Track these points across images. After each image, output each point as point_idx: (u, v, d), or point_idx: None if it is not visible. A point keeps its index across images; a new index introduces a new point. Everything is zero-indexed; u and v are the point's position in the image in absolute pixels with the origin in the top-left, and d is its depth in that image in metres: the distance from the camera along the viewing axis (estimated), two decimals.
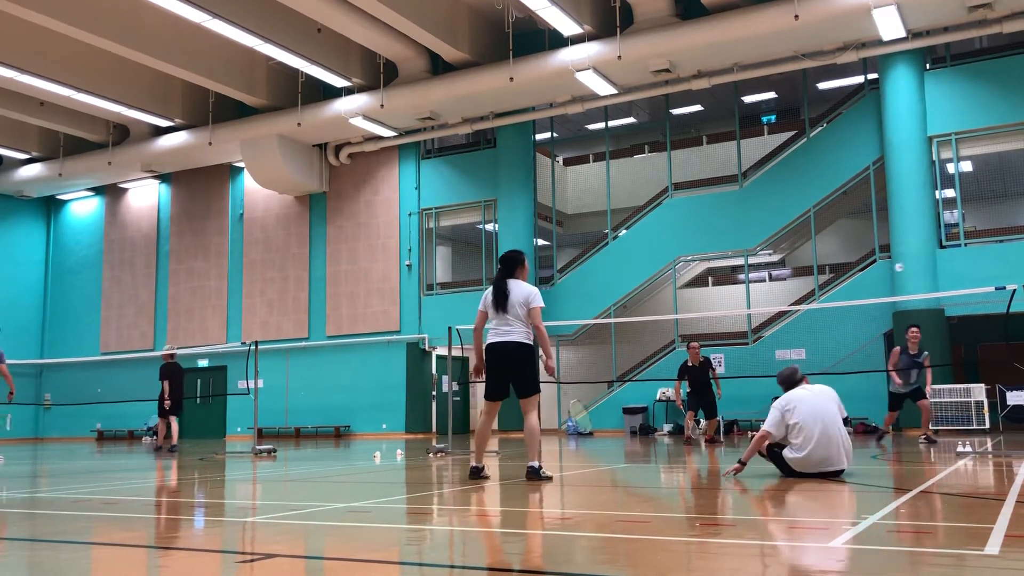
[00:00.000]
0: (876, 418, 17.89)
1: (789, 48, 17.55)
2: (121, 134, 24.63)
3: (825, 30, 16.74)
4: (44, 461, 12.84)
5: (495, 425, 20.93)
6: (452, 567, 3.43)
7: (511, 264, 7.30)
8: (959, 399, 16.33)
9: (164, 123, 22.86)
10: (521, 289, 7.16)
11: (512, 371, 7.14)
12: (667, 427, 19.33)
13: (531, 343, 7.12)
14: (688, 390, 14.23)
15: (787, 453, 6.86)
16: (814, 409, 6.73)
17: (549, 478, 7.00)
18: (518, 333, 7.10)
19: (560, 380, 21.61)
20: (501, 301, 7.13)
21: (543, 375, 11.17)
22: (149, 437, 24.53)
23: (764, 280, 23.62)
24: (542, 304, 7.17)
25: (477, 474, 7.20)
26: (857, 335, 18.13)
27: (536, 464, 7.02)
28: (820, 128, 19.65)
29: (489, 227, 22.74)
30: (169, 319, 25.94)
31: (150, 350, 26.03)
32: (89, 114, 22.99)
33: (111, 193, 27.58)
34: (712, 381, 14.07)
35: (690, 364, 14.29)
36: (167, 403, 14.93)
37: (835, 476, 6.68)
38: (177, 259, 26.13)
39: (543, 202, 22.93)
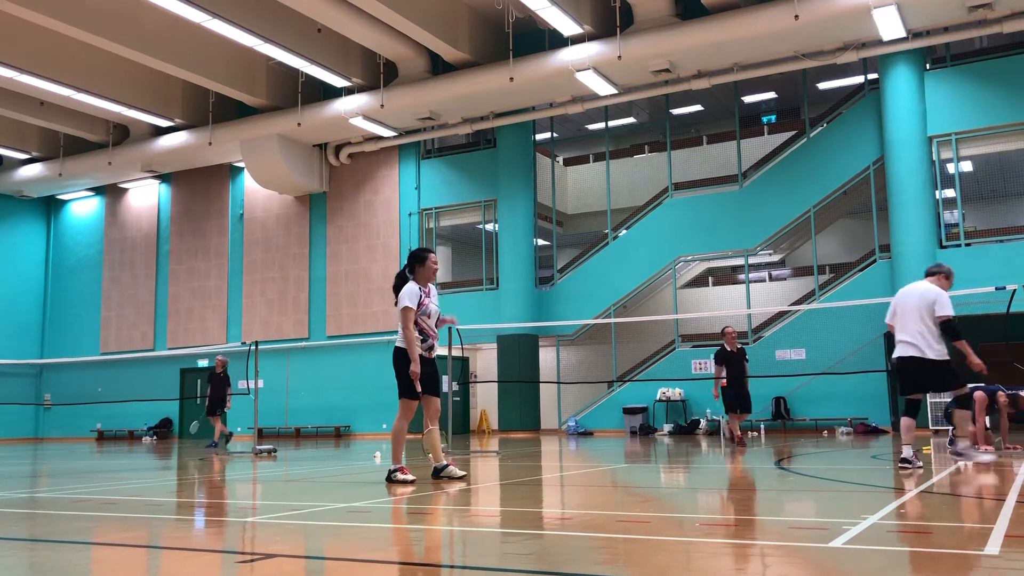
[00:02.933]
0: (876, 418, 17.91)
1: (789, 48, 17.55)
2: (121, 134, 24.63)
3: (825, 30, 16.74)
4: (44, 461, 12.84)
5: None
6: (452, 567, 3.43)
7: (409, 263, 7.18)
8: None
9: (164, 123, 22.87)
10: (401, 291, 7.05)
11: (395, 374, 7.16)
12: (667, 427, 19.32)
13: (401, 346, 7.01)
14: (724, 381, 12.97)
15: None
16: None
17: (406, 481, 6.88)
18: (398, 336, 7.09)
19: (560, 380, 21.60)
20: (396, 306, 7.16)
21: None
22: (149, 437, 24.58)
23: (764, 280, 23.62)
24: (406, 304, 6.94)
25: (437, 474, 7.18)
26: (857, 335, 18.13)
27: (440, 464, 7.15)
28: (820, 128, 19.66)
29: (489, 227, 22.74)
30: (169, 319, 25.94)
31: (150, 350, 26.05)
32: (89, 114, 22.99)
33: (111, 193, 27.59)
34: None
35: (728, 349, 13.14)
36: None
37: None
38: (177, 259, 26.13)
39: (543, 202, 22.93)
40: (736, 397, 12.90)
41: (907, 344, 7.60)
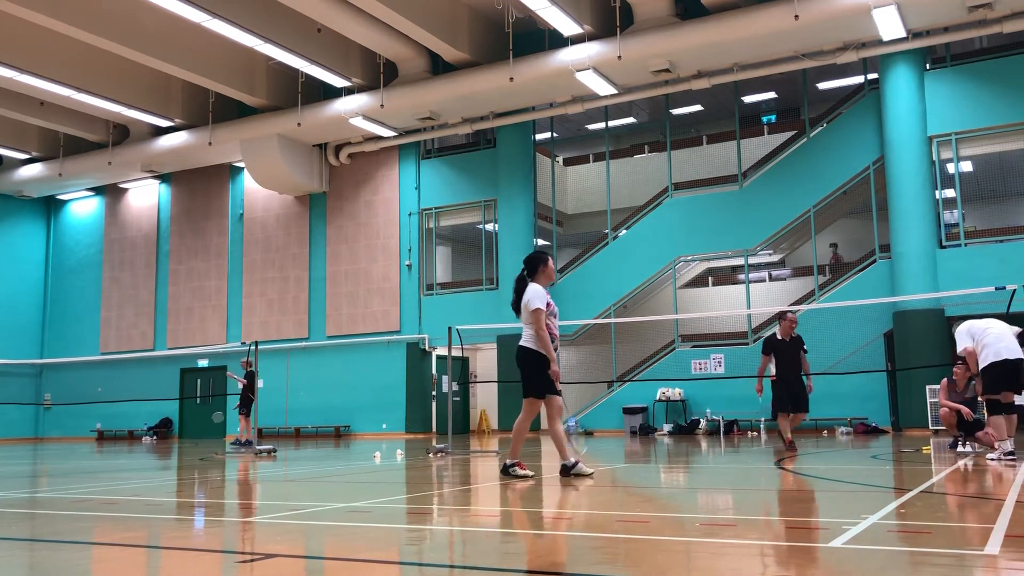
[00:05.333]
0: (876, 418, 17.91)
1: (789, 48, 17.55)
2: (121, 134, 24.63)
3: (825, 30, 16.74)
4: (44, 461, 12.84)
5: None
6: (452, 567, 3.43)
7: (529, 266, 7.36)
8: None
9: (164, 123, 22.86)
10: (527, 292, 7.20)
11: (519, 372, 7.28)
12: (667, 427, 19.32)
13: (534, 346, 7.15)
14: (773, 375, 11.11)
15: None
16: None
17: (585, 474, 7.02)
18: (524, 336, 7.23)
19: (560, 380, 21.57)
20: (515, 304, 7.28)
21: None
22: (149, 437, 24.59)
23: (764, 280, 23.61)
24: (537, 305, 7.09)
25: (506, 471, 7.16)
26: (857, 335, 18.13)
27: (568, 462, 7.10)
28: (820, 128, 19.65)
29: (489, 227, 22.74)
30: (169, 319, 25.94)
31: (150, 350, 26.05)
32: (89, 114, 22.99)
33: (111, 193, 27.59)
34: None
35: (779, 337, 11.19)
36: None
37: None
38: (177, 259, 26.13)
39: (543, 202, 22.93)
40: (787, 394, 11.00)
41: (1013, 349, 8.79)
